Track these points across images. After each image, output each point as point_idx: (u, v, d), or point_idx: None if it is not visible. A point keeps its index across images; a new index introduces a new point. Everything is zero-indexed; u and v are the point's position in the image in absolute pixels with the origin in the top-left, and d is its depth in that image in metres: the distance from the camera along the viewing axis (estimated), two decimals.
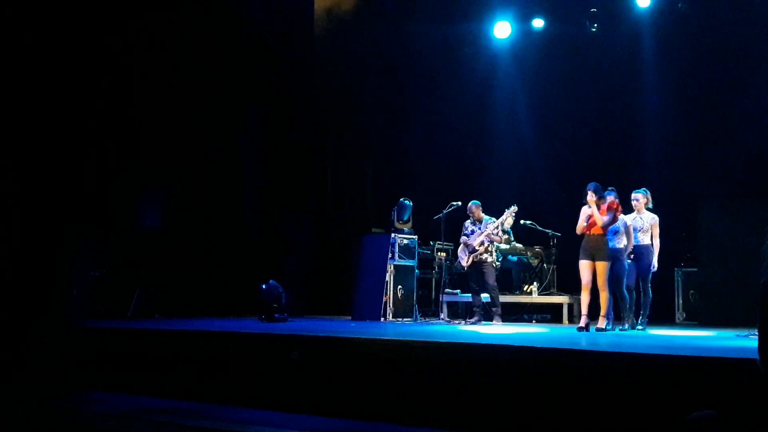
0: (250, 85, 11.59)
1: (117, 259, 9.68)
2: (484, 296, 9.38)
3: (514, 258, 10.86)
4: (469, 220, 9.48)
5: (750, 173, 10.14)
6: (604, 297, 7.83)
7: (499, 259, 10.09)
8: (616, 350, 5.21)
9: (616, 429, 4.39)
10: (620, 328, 7.93)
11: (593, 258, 7.85)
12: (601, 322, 7.79)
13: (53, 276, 8.45)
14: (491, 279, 9.20)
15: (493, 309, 9.16)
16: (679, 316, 10.27)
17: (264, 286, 9.21)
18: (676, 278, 10.36)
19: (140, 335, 7.06)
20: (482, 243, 9.18)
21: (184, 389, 6.02)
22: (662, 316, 10.19)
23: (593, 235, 7.90)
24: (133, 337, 7.02)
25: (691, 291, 10.23)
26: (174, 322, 8.48)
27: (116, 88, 9.66)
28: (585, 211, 7.98)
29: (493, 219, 9.32)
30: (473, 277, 9.30)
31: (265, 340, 6.39)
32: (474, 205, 9.46)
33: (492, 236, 9.22)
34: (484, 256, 9.20)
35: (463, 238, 9.39)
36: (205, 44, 10.77)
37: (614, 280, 7.87)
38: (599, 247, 7.84)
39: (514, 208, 9.38)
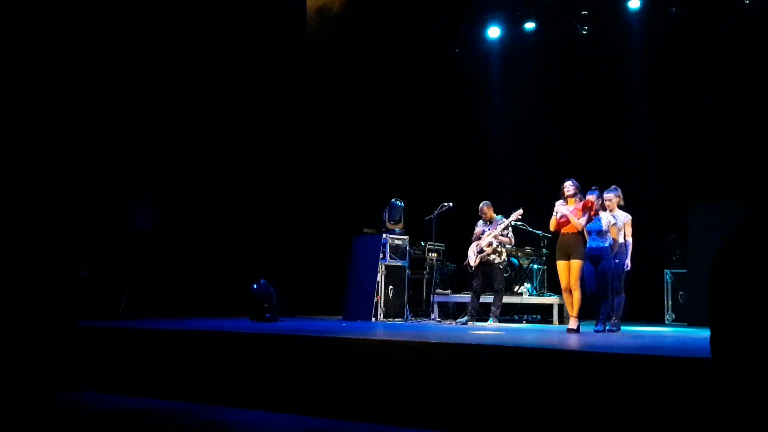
0: (242, 84, 11.59)
1: (108, 259, 9.65)
2: (484, 297, 9.36)
3: None
4: (481, 221, 9.44)
5: (740, 176, 10.20)
6: (576, 297, 7.84)
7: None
8: (610, 351, 5.23)
9: (606, 430, 4.42)
10: (609, 328, 7.94)
11: (568, 257, 7.86)
12: (573, 323, 7.77)
13: (43, 276, 8.41)
14: (498, 279, 9.16)
15: (493, 309, 9.15)
16: (669, 317, 10.32)
17: (255, 286, 9.20)
18: (665, 279, 10.42)
19: (131, 335, 7.04)
20: (490, 243, 9.14)
21: (175, 389, 6.01)
22: (651, 317, 10.26)
23: (567, 233, 7.91)
24: (124, 337, 7.00)
25: (681, 292, 10.29)
26: (164, 321, 8.46)
27: (108, 87, 9.64)
28: (557, 207, 7.98)
29: (504, 218, 9.25)
30: (479, 277, 9.24)
31: (255, 340, 6.39)
32: (485, 206, 9.43)
33: (501, 237, 9.17)
34: (492, 256, 9.15)
35: (475, 241, 9.32)
36: (197, 44, 10.76)
37: (600, 279, 7.81)
38: (574, 245, 7.83)
39: (520, 211, 9.29)
